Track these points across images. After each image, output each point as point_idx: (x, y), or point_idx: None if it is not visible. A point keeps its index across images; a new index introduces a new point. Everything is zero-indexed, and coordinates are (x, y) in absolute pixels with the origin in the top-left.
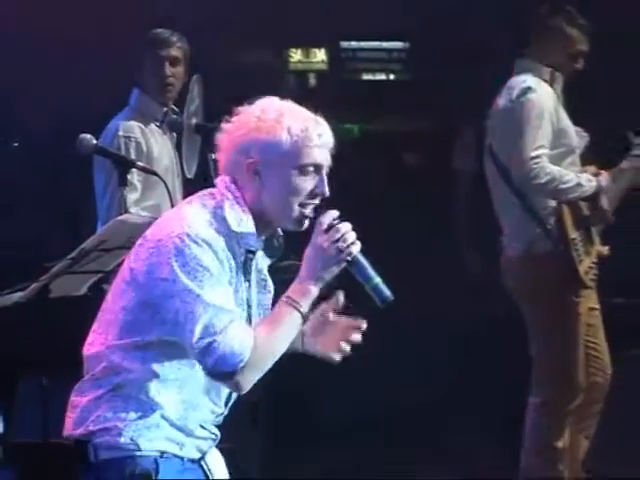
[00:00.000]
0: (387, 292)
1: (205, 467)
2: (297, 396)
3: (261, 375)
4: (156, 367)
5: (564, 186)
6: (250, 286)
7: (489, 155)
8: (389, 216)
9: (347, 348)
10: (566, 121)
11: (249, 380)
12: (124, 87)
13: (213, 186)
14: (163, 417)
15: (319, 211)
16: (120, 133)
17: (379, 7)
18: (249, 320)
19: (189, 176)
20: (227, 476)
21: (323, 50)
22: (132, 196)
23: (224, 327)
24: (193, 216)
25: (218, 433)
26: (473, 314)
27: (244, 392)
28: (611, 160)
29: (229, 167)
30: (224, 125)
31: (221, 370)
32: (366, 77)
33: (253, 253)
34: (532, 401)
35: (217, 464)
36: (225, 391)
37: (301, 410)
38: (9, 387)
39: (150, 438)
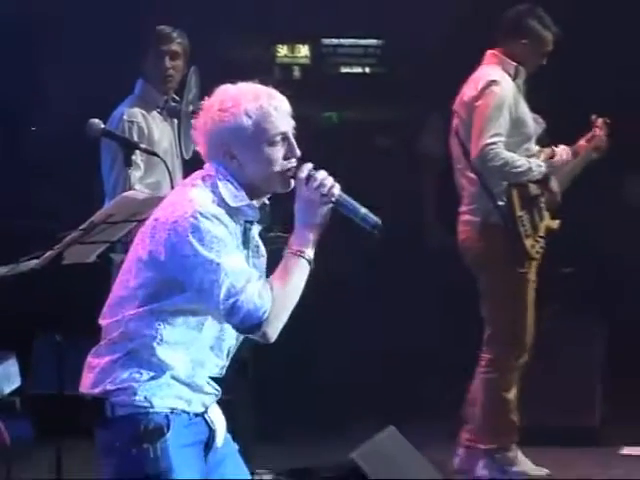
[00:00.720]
0: (375, 218)
1: (208, 419)
2: (283, 354)
3: (284, 322)
4: (166, 333)
5: (515, 170)
6: (249, 254)
7: (455, 136)
8: (362, 190)
9: None
10: (524, 110)
11: (275, 328)
12: (131, 77)
13: None
14: (173, 377)
15: (297, 167)
16: (125, 118)
17: (356, 8)
18: None
19: (187, 157)
20: (225, 426)
21: (307, 46)
22: (136, 174)
23: (243, 286)
24: (199, 196)
25: (220, 389)
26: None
27: (272, 341)
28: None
29: (210, 156)
30: (193, 122)
31: (249, 324)
32: (344, 70)
33: (251, 223)
34: (484, 357)
35: (217, 416)
36: (226, 345)
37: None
38: (26, 344)
39: (162, 396)
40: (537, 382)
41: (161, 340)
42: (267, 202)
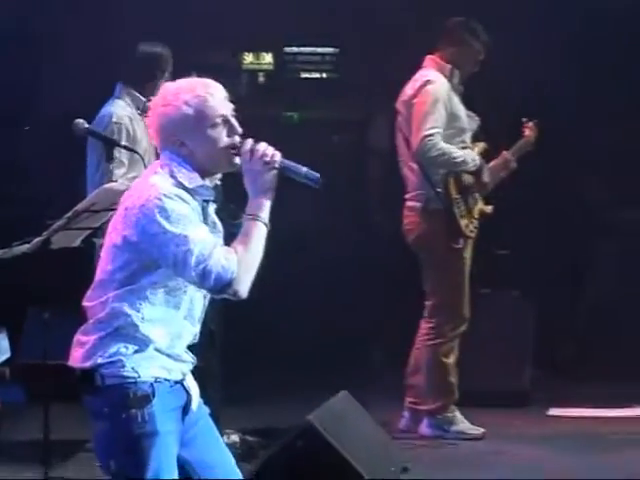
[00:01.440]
0: (315, 174)
1: (186, 386)
2: (247, 324)
3: (251, 280)
4: (147, 311)
5: (451, 160)
6: (208, 230)
7: (398, 131)
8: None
9: None
10: (459, 107)
11: (244, 286)
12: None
13: None
14: (156, 349)
15: (240, 144)
16: (113, 120)
17: (314, 20)
18: None
19: None
20: (198, 392)
21: (270, 54)
22: (120, 171)
23: (210, 252)
24: (160, 181)
25: (195, 358)
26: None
27: (244, 297)
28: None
29: (164, 147)
30: (146, 120)
31: (221, 285)
32: (304, 75)
33: (208, 202)
34: (425, 326)
35: (192, 383)
36: (197, 313)
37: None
38: (18, 320)
39: (147, 367)
40: (474, 349)
41: (143, 318)
42: (218, 182)
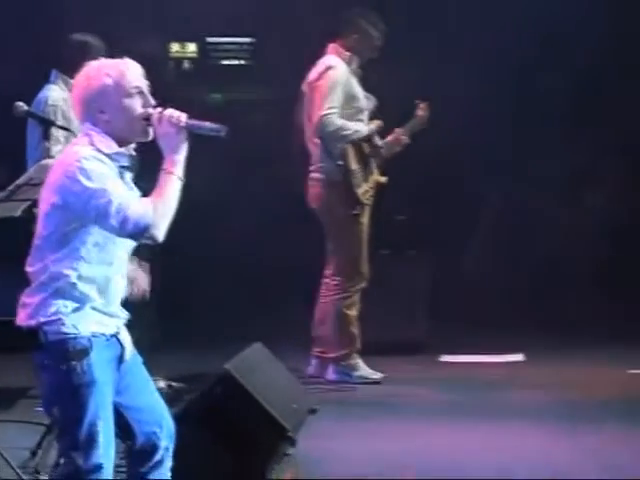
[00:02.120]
0: (219, 126)
1: (120, 339)
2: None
3: (166, 226)
4: (84, 270)
5: (346, 132)
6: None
7: (304, 110)
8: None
9: None
10: (357, 90)
11: (160, 231)
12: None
13: None
14: (93, 308)
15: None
16: (49, 102)
17: (234, 13)
18: None
19: None
20: (132, 344)
21: (194, 44)
22: (57, 148)
23: (128, 202)
24: (80, 148)
25: (127, 314)
26: None
27: (160, 241)
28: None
29: (85, 118)
30: (71, 95)
31: (139, 230)
32: (225, 62)
33: (125, 168)
34: (329, 282)
35: (125, 336)
36: (124, 267)
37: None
38: None
39: (84, 323)
40: (375, 303)
41: (80, 276)
42: (134, 153)
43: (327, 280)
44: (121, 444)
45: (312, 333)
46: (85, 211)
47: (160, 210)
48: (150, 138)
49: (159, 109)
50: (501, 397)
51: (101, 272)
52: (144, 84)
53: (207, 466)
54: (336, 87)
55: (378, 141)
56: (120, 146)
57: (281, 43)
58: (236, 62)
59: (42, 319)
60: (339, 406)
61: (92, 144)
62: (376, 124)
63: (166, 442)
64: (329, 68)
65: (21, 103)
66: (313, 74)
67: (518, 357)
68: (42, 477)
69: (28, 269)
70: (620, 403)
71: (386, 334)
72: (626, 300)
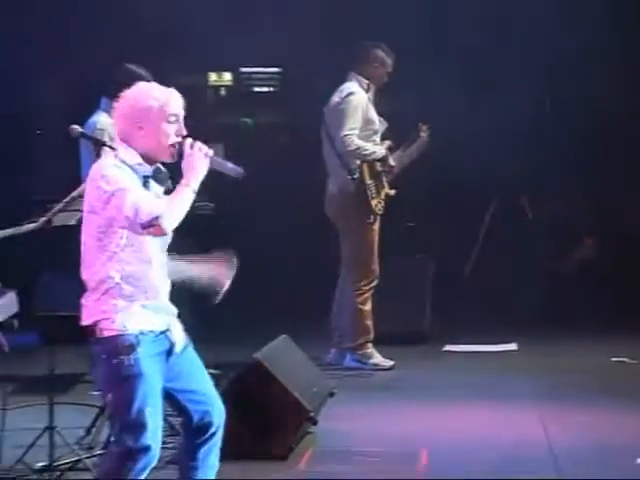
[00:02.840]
0: (238, 169)
1: (170, 336)
2: None
3: (175, 223)
4: (126, 271)
5: (364, 152)
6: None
7: (324, 131)
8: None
9: None
10: (372, 113)
11: (169, 224)
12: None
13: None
14: (142, 306)
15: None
16: (98, 126)
17: (262, 47)
18: None
19: None
20: (184, 339)
21: (229, 73)
22: None
23: (142, 200)
24: (104, 160)
25: (176, 310)
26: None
27: (168, 233)
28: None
29: (123, 131)
30: (115, 112)
31: (150, 223)
32: (256, 90)
33: (147, 177)
34: (342, 280)
35: (177, 332)
36: (164, 265)
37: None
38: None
39: (133, 322)
40: (386, 300)
41: (122, 277)
42: (163, 169)
43: (342, 279)
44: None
45: (331, 326)
46: (107, 211)
47: (171, 207)
48: (173, 160)
49: (189, 140)
50: (498, 381)
51: (142, 271)
52: (182, 114)
53: (240, 442)
54: (357, 111)
55: (392, 161)
56: (145, 162)
57: (305, 72)
58: (265, 89)
59: (97, 318)
60: (355, 390)
61: (116, 156)
62: (387, 144)
63: (217, 419)
64: (350, 94)
65: (76, 126)
66: (335, 98)
67: (512, 346)
68: (95, 452)
69: (82, 276)
70: (604, 387)
71: (396, 327)
72: (610, 295)
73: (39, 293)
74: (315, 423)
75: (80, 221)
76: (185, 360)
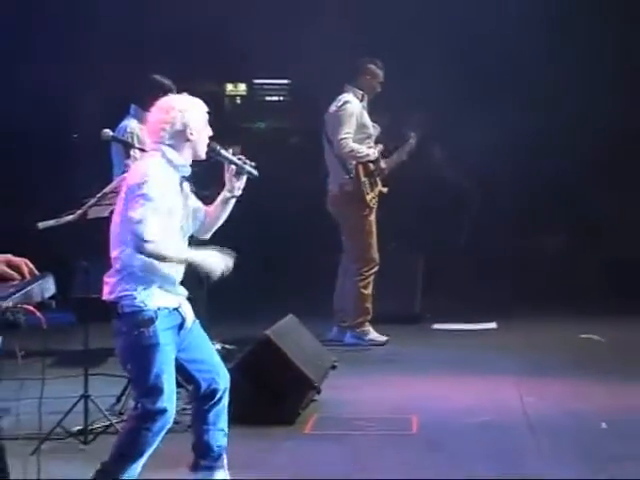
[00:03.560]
0: (254, 172)
1: (182, 311)
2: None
3: (153, 257)
4: (148, 260)
5: (358, 154)
6: (181, 200)
7: (324, 135)
8: (278, 162)
9: None
10: (366, 119)
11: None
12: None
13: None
14: (159, 287)
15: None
16: (128, 130)
17: (272, 60)
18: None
19: None
20: (193, 316)
21: (244, 84)
22: None
23: (151, 218)
24: (151, 159)
25: (186, 291)
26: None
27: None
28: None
29: (171, 137)
30: (156, 120)
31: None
32: (268, 99)
33: (184, 178)
34: (343, 266)
35: (187, 308)
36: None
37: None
38: (65, 267)
39: (151, 300)
40: (384, 284)
41: (144, 264)
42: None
43: (344, 265)
44: (185, 392)
45: (333, 307)
46: (129, 201)
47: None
48: (202, 158)
49: (215, 145)
50: (480, 356)
51: (161, 263)
52: (207, 119)
53: (251, 409)
54: (352, 117)
55: (383, 164)
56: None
57: (311, 84)
58: (276, 98)
59: (119, 294)
60: (354, 363)
61: (163, 156)
62: (379, 148)
63: (223, 385)
64: (346, 102)
65: (108, 130)
66: (333, 107)
67: (492, 325)
68: (124, 418)
69: (112, 253)
70: (574, 360)
71: (391, 307)
72: (580, 279)
73: (75, 277)
74: (319, 392)
75: (112, 213)
76: (193, 334)
